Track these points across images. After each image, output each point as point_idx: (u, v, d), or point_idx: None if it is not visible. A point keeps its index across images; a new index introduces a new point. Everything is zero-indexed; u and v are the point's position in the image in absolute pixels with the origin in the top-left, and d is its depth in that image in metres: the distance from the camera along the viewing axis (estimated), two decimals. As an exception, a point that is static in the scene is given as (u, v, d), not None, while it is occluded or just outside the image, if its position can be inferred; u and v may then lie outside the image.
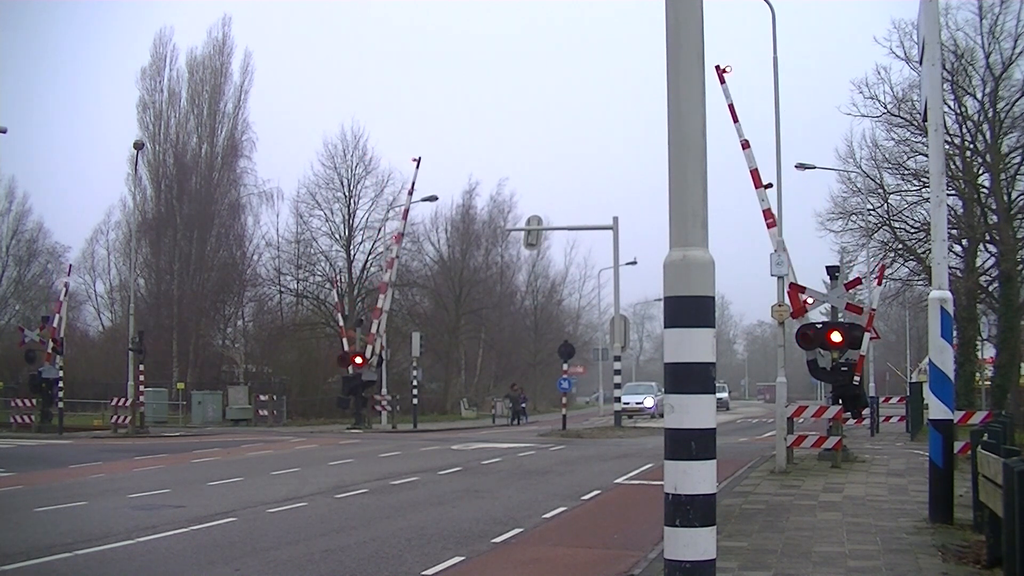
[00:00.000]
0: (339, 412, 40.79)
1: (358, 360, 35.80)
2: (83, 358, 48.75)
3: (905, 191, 32.22)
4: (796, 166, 30.94)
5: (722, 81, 20.86)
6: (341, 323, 39.54)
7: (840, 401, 19.20)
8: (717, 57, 29.86)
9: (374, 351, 36.85)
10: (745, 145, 20.08)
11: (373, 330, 37.08)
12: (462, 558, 9.46)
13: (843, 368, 18.67)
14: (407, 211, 41.07)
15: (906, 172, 31.71)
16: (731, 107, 20.71)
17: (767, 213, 19.84)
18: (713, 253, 5.52)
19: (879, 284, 28.18)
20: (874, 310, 29.15)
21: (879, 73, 32.66)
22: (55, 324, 35.58)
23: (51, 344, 35.22)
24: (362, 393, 36.74)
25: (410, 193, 39.81)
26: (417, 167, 38.13)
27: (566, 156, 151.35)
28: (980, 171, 31.07)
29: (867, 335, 27.11)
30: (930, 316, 11.43)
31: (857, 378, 19.64)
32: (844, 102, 69.71)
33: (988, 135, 30.07)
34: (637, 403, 45.90)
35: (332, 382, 44.43)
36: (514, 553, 9.90)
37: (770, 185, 19.85)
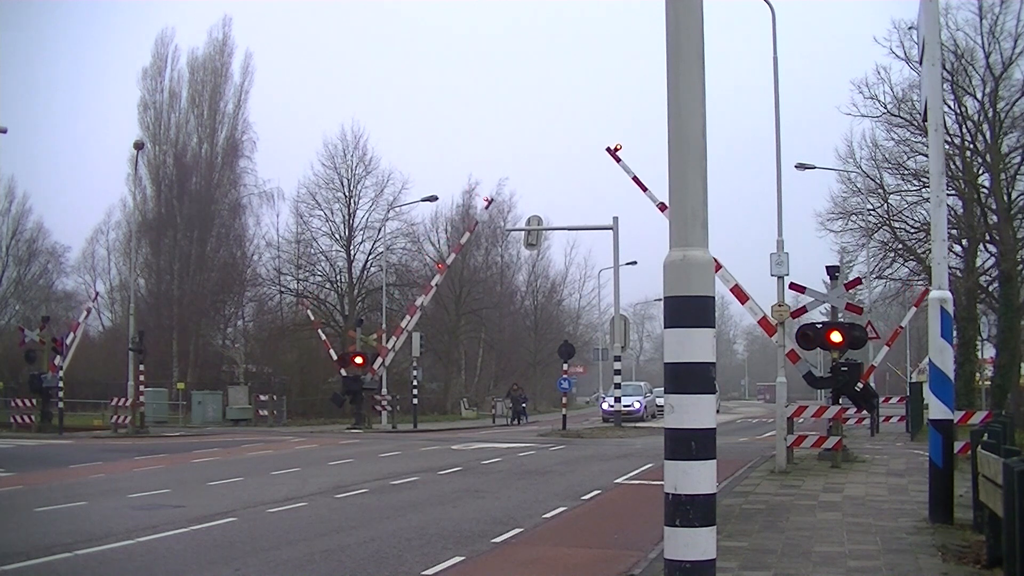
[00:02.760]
0: (339, 412, 40.81)
1: (358, 360, 35.88)
2: (83, 358, 48.55)
3: (905, 191, 32.25)
4: (796, 166, 31.01)
5: (617, 160, 24.35)
6: (324, 337, 39.85)
7: (841, 401, 19.20)
8: (717, 57, 30.05)
9: (383, 363, 37.00)
10: (662, 208, 20.70)
11: (388, 344, 37.36)
12: (462, 558, 9.46)
13: (843, 368, 18.63)
14: (461, 246, 42.46)
15: (906, 172, 31.73)
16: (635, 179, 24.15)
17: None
18: (713, 253, 5.53)
19: (916, 307, 27.92)
20: (901, 327, 29.41)
21: (879, 73, 32.62)
22: (68, 341, 35.64)
23: (56, 355, 35.21)
24: (361, 395, 36.81)
25: (471, 231, 42.16)
26: (487, 207, 39.18)
27: (566, 156, 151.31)
28: (980, 171, 31.06)
29: (884, 348, 27.58)
30: (930, 316, 11.44)
31: (860, 385, 19.66)
32: (844, 102, 69.61)
33: (988, 135, 30.07)
34: (625, 405, 41.90)
35: (332, 382, 44.37)
36: (514, 553, 9.90)
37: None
